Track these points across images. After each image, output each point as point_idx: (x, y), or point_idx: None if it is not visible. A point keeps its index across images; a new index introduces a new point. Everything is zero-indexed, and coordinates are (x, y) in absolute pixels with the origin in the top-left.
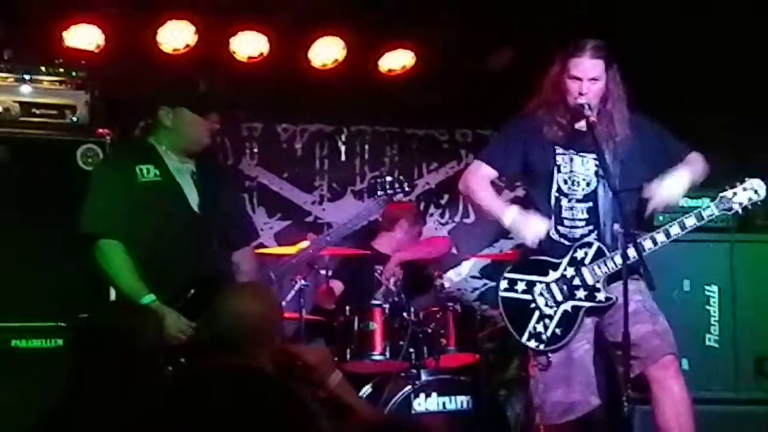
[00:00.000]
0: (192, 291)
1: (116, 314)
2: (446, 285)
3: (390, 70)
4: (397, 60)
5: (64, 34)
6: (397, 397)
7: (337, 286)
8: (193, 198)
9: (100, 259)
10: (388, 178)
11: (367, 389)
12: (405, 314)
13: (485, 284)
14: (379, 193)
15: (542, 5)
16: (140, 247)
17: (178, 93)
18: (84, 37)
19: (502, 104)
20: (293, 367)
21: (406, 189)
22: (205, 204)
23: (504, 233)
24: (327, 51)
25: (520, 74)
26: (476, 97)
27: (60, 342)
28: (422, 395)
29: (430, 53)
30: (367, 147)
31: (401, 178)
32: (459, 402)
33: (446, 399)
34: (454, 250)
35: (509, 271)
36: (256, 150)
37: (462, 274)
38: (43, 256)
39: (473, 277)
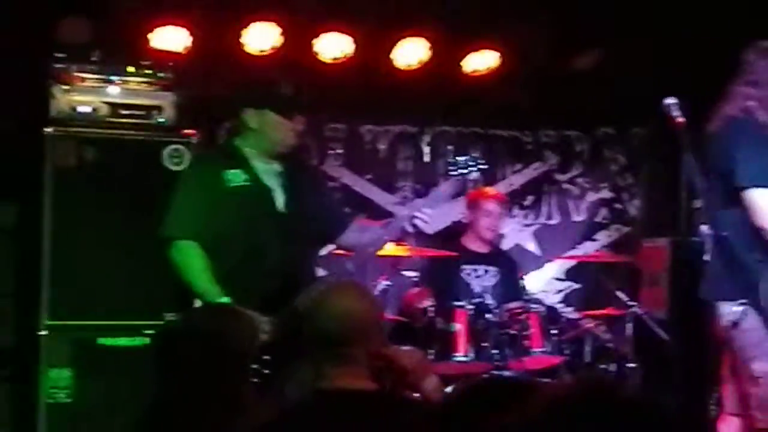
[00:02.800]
0: (272, 290)
1: (211, 316)
2: (529, 287)
3: (474, 71)
4: (481, 60)
5: (151, 35)
6: None
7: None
8: (280, 199)
9: (176, 260)
10: (461, 158)
11: (449, 391)
12: (489, 315)
13: (569, 286)
14: (452, 172)
15: (630, 6)
16: (222, 248)
17: (262, 95)
18: (171, 38)
19: (587, 106)
20: (389, 370)
21: (480, 166)
22: (291, 203)
23: (588, 235)
24: (411, 51)
25: (605, 76)
26: (561, 98)
27: (146, 340)
28: None
29: (515, 53)
30: (450, 148)
31: (474, 155)
32: None
33: None
34: (538, 252)
35: None
36: (339, 151)
37: (546, 276)
38: (128, 256)
39: (557, 279)
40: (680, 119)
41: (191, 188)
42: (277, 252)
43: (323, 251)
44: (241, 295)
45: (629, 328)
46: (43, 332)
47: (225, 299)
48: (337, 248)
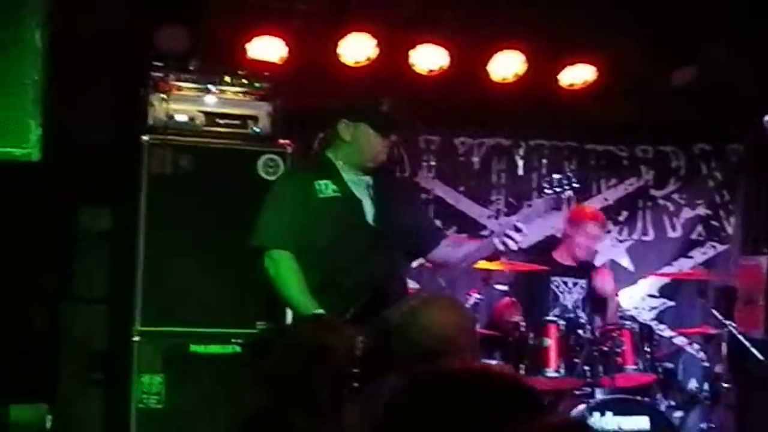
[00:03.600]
0: (362, 302)
1: (312, 329)
2: (623, 303)
3: (571, 85)
4: (578, 74)
5: (248, 45)
6: (571, 414)
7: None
8: (369, 211)
9: (270, 270)
10: (556, 176)
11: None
12: (581, 331)
13: (663, 303)
14: (546, 191)
15: (729, 21)
16: (313, 258)
17: (361, 108)
18: (267, 48)
19: (684, 121)
20: None
21: (575, 185)
22: (381, 217)
23: (683, 252)
24: (507, 64)
25: (702, 92)
26: (658, 114)
27: (237, 348)
28: (597, 414)
29: (612, 68)
30: (544, 161)
31: (569, 174)
32: (636, 422)
33: (622, 419)
34: (632, 268)
35: None
36: (433, 163)
37: (639, 293)
38: (221, 264)
39: (651, 296)
40: None
41: (283, 198)
42: (366, 264)
43: (414, 264)
44: (331, 307)
45: (724, 347)
46: (136, 338)
47: (320, 311)
48: (429, 263)
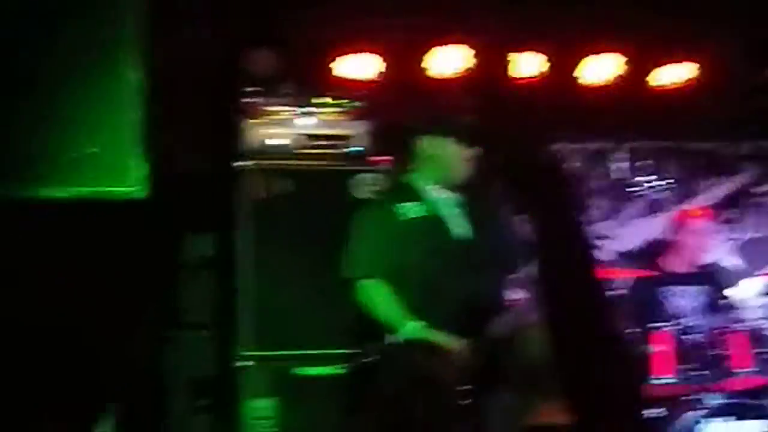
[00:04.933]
0: (459, 320)
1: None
2: (733, 303)
3: (671, 83)
4: (676, 73)
5: (334, 64)
6: (682, 420)
7: None
8: (458, 228)
9: (363, 299)
10: (650, 178)
11: (655, 413)
12: (691, 336)
13: None
14: (640, 192)
15: None
16: (404, 282)
17: (439, 122)
18: (359, 65)
19: None
20: None
21: (671, 186)
22: (471, 231)
23: None
24: (604, 67)
25: None
26: (758, 110)
27: (341, 369)
28: (710, 419)
29: (712, 65)
30: (647, 162)
31: (661, 175)
32: (751, 427)
33: (735, 423)
34: (743, 266)
35: None
36: None
37: (751, 292)
38: (323, 285)
39: (763, 294)
40: None
41: (367, 226)
42: (459, 282)
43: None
44: (432, 325)
45: None
46: (242, 363)
47: (415, 324)
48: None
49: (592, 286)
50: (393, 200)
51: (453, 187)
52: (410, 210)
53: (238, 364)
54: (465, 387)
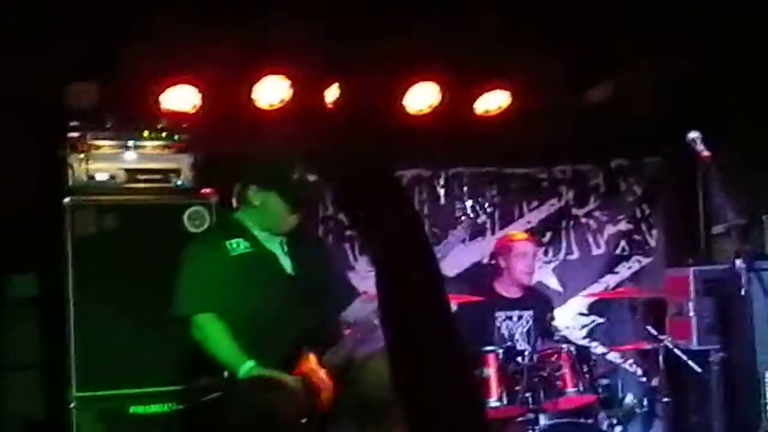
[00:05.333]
0: (291, 354)
1: (257, 388)
2: (557, 325)
3: (486, 111)
4: (492, 100)
5: (162, 96)
6: None
7: None
8: (286, 264)
9: (198, 335)
10: (468, 203)
11: None
12: (519, 358)
13: (593, 321)
14: (461, 218)
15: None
16: (238, 318)
17: (271, 177)
18: (180, 98)
19: (599, 138)
20: None
21: (488, 210)
22: (299, 267)
23: (608, 268)
24: (423, 96)
25: (617, 108)
26: (573, 133)
27: (176, 406)
28: None
29: (525, 91)
30: (465, 189)
31: (480, 200)
32: None
33: None
34: (560, 288)
35: None
36: None
37: (569, 313)
38: (155, 321)
39: (580, 314)
40: (705, 153)
41: (197, 261)
42: (291, 315)
43: None
44: (263, 362)
45: (661, 361)
46: (74, 404)
47: (251, 363)
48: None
49: (438, 310)
50: (221, 236)
51: (275, 234)
52: (239, 246)
53: (71, 405)
54: (305, 420)
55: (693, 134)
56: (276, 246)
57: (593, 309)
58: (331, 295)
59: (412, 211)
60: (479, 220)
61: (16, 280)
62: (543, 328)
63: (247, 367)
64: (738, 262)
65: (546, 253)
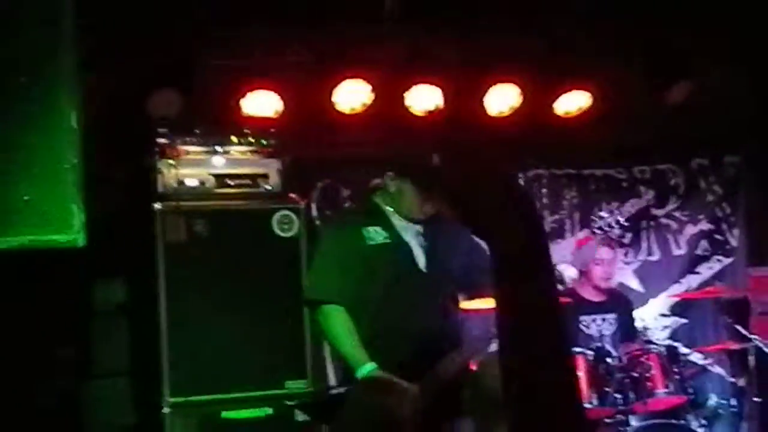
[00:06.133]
0: (414, 355)
1: (373, 390)
2: (641, 326)
3: (566, 112)
4: (573, 101)
5: (241, 102)
6: None
7: None
8: (421, 258)
9: (323, 324)
10: (605, 215)
11: None
12: (609, 360)
13: (676, 321)
14: (596, 231)
15: (718, 35)
16: (365, 309)
17: (406, 164)
18: (261, 104)
19: (679, 138)
20: None
21: (623, 223)
22: (433, 263)
23: (689, 268)
24: (503, 98)
25: (697, 108)
26: (653, 133)
27: (270, 411)
28: None
29: (606, 91)
30: (544, 191)
31: (615, 211)
32: None
33: None
34: (641, 289)
35: None
36: None
37: (651, 314)
38: (246, 326)
39: (663, 315)
40: None
41: (332, 249)
42: (419, 314)
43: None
44: (383, 358)
45: (752, 361)
46: (167, 410)
47: (372, 366)
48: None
49: (553, 312)
50: (360, 221)
51: (413, 221)
52: (376, 235)
53: (164, 411)
54: (419, 424)
55: None
56: (412, 237)
57: (675, 310)
58: (463, 280)
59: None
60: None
61: (106, 287)
62: (626, 330)
63: (368, 369)
64: None
65: (626, 254)
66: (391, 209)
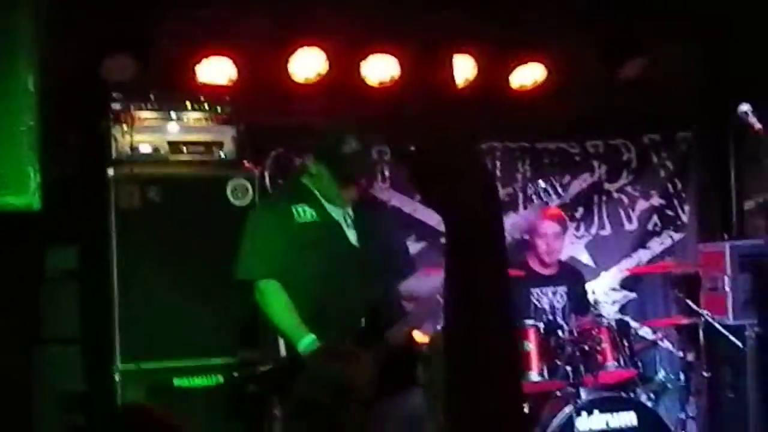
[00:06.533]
0: (359, 327)
1: (330, 359)
2: (592, 300)
3: (521, 86)
4: (528, 74)
5: (197, 69)
6: (558, 416)
7: None
8: (351, 235)
9: (260, 301)
10: (542, 184)
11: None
12: (560, 332)
13: (625, 296)
14: (535, 201)
15: (672, 12)
16: (301, 286)
17: (323, 150)
18: (216, 70)
19: (632, 114)
20: None
21: (561, 192)
22: (363, 239)
23: (640, 243)
24: (458, 70)
25: (650, 84)
26: (606, 108)
27: (221, 379)
28: (584, 414)
29: (561, 66)
30: (498, 163)
31: (553, 180)
32: (623, 419)
33: (609, 416)
34: (592, 263)
35: None
36: (387, 173)
37: (601, 288)
38: (198, 294)
39: (613, 289)
40: (757, 125)
41: (261, 227)
42: (355, 289)
43: None
44: (323, 335)
45: (701, 335)
46: (118, 376)
47: (311, 338)
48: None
49: (503, 284)
50: (289, 200)
51: (339, 204)
52: (305, 213)
53: (115, 378)
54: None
55: (744, 107)
56: (340, 216)
57: (625, 284)
58: (392, 267)
59: (490, 183)
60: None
61: (57, 252)
62: (578, 304)
63: (308, 341)
64: None
65: (578, 228)
66: (317, 191)
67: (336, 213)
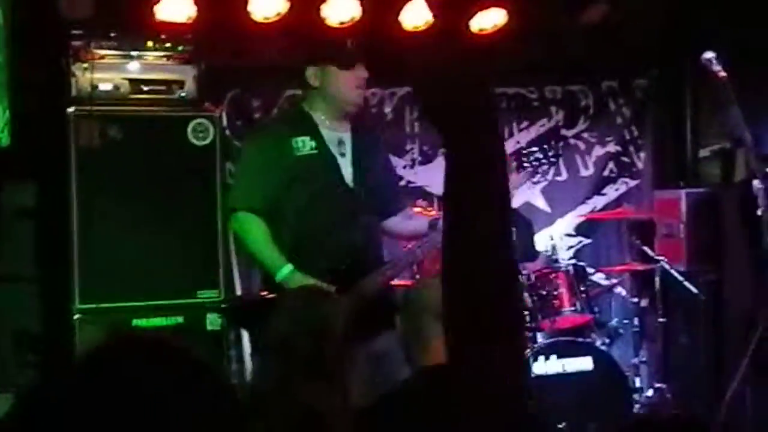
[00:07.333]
0: (339, 268)
1: (305, 299)
2: (541, 245)
3: (481, 29)
4: (488, 19)
5: (156, 7)
6: None
7: None
8: (347, 171)
9: (238, 231)
10: (535, 151)
11: None
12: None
13: (580, 242)
14: (525, 166)
15: None
16: (286, 220)
17: (324, 51)
18: (176, 8)
19: (590, 60)
20: None
21: (552, 161)
22: (358, 177)
23: (596, 190)
24: (418, 14)
25: (609, 30)
26: (564, 54)
27: (180, 319)
28: (541, 358)
29: (522, 10)
30: None
31: (546, 147)
32: (579, 363)
33: (566, 361)
34: (548, 209)
35: None
36: None
37: (556, 233)
38: (157, 234)
39: (568, 235)
40: (722, 73)
41: (256, 157)
42: (343, 228)
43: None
44: (306, 271)
45: (657, 282)
46: (77, 316)
47: (289, 268)
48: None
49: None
50: (289, 131)
51: (344, 120)
52: (305, 146)
53: (73, 317)
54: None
55: (708, 54)
56: (340, 148)
57: (581, 230)
58: (382, 209)
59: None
60: None
61: (14, 189)
62: (525, 250)
63: (286, 271)
64: (756, 182)
65: (535, 174)
66: (320, 114)
67: (336, 144)
